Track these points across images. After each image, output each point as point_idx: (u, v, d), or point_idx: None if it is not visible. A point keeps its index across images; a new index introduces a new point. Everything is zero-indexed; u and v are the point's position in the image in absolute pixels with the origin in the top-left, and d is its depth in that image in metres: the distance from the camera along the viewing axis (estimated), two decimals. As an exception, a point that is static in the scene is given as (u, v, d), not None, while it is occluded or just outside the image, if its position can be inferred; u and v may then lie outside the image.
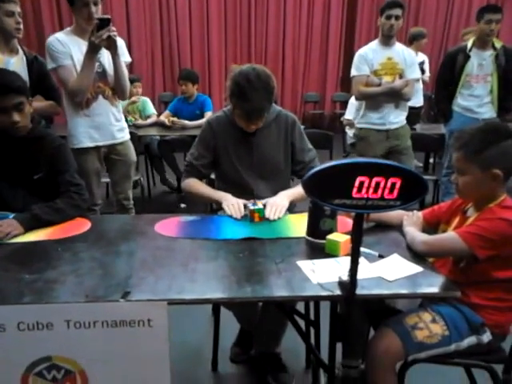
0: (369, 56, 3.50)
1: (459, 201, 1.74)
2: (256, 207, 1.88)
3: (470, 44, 3.82)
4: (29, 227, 1.79)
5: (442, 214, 1.77)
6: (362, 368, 1.58)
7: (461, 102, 3.90)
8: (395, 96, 3.50)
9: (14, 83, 1.89)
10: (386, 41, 3.50)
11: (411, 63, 3.55)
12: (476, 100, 3.85)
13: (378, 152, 3.57)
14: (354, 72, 3.59)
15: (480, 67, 3.78)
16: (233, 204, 1.93)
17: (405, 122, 3.66)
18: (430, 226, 1.77)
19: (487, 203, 1.58)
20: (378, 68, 3.50)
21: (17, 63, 2.77)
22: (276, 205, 1.92)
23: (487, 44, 3.77)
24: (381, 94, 3.50)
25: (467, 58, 3.78)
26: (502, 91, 3.78)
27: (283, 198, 1.98)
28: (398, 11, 3.37)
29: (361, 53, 3.56)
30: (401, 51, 3.53)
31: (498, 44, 3.78)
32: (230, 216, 1.90)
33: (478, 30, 3.74)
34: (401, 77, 3.51)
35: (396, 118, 3.58)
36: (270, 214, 1.88)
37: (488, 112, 3.85)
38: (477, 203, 1.63)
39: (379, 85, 3.50)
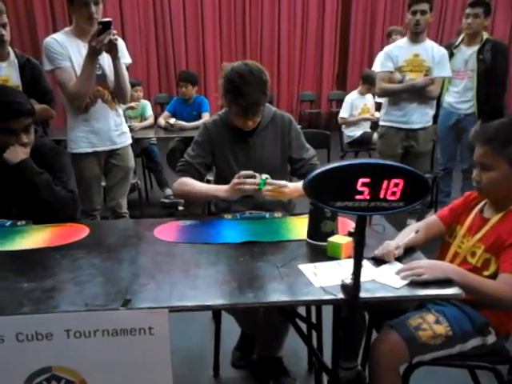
0: (394, 52, 3.47)
1: (471, 197, 1.70)
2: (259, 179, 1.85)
3: (458, 41, 3.84)
4: (24, 166, 1.86)
5: (459, 213, 1.72)
6: (359, 369, 1.55)
7: (447, 97, 3.91)
8: (418, 94, 3.42)
9: (25, 106, 1.87)
10: (414, 37, 3.44)
11: (440, 61, 3.44)
12: (458, 96, 3.87)
13: (397, 151, 3.53)
14: (377, 68, 3.58)
15: (465, 63, 3.78)
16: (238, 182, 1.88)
17: (430, 122, 3.56)
18: (449, 228, 1.73)
19: (508, 204, 1.55)
20: (402, 64, 3.45)
21: (8, 67, 2.74)
22: (286, 191, 1.88)
23: (475, 39, 3.75)
24: (402, 90, 3.44)
25: (451, 55, 3.76)
26: (483, 87, 3.72)
27: (294, 192, 1.92)
28: (424, 6, 3.31)
29: (386, 50, 3.54)
30: (430, 48, 3.44)
31: (485, 37, 3.76)
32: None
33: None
34: (427, 74, 3.43)
35: (420, 117, 3.49)
36: (271, 190, 1.85)
37: (470, 108, 3.84)
38: (496, 203, 1.59)
39: (401, 81, 3.44)
